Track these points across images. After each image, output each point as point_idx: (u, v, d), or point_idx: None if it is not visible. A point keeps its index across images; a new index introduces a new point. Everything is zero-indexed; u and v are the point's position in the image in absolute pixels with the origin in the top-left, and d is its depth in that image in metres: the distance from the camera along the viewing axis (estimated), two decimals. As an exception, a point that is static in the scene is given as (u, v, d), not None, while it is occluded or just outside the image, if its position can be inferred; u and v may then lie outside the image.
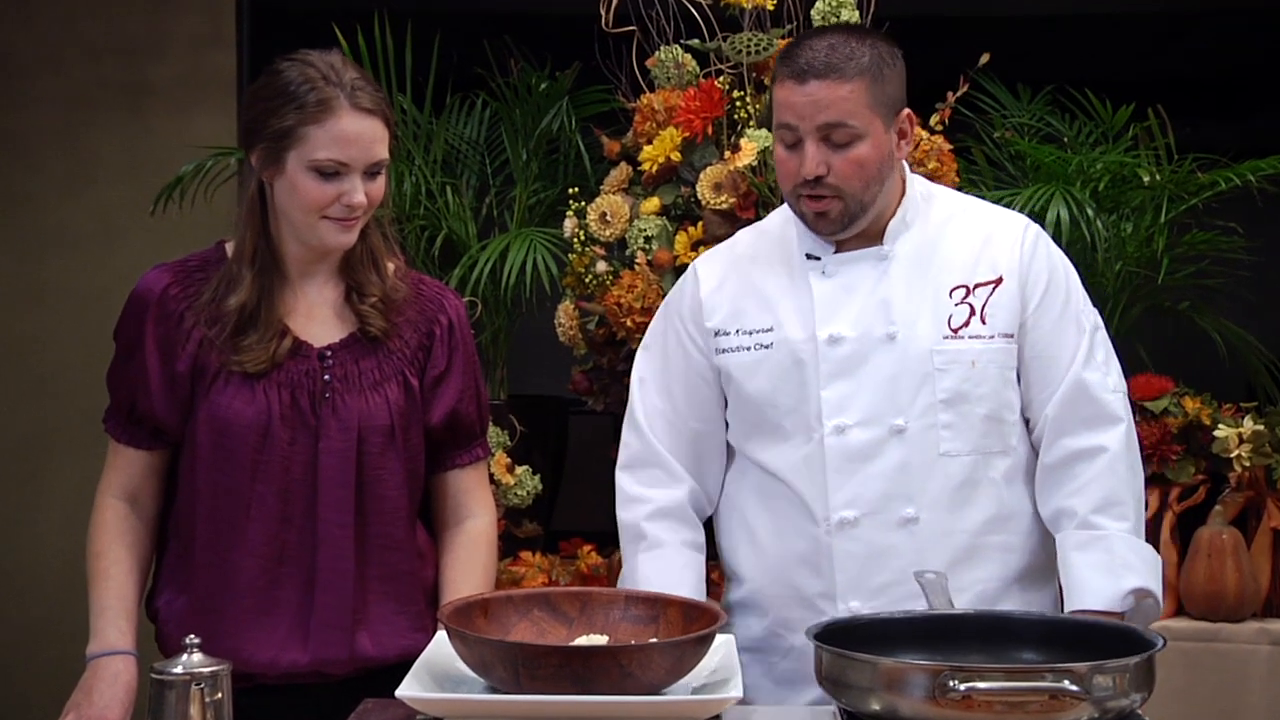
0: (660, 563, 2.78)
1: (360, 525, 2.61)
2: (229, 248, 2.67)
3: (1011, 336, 2.69)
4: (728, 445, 2.84)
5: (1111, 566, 2.60)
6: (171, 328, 2.61)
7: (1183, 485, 3.71)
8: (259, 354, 2.59)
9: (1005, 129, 4.18)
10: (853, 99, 2.61)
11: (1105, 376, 2.70)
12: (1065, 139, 4.21)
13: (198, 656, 2.13)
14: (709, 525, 2.91)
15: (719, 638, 2.26)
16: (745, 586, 2.80)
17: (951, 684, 1.99)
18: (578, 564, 3.77)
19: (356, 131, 2.54)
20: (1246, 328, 4.16)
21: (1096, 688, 2.01)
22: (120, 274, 4.96)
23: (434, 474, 2.76)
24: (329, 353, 2.63)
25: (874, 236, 2.73)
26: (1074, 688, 1.99)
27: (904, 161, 2.77)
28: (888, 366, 2.67)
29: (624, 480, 2.86)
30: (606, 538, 3.94)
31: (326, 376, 2.61)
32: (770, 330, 2.73)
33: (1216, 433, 3.66)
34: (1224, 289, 4.14)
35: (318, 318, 2.66)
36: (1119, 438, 2.67)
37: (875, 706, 2.07)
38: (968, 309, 2.68)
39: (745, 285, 2.79)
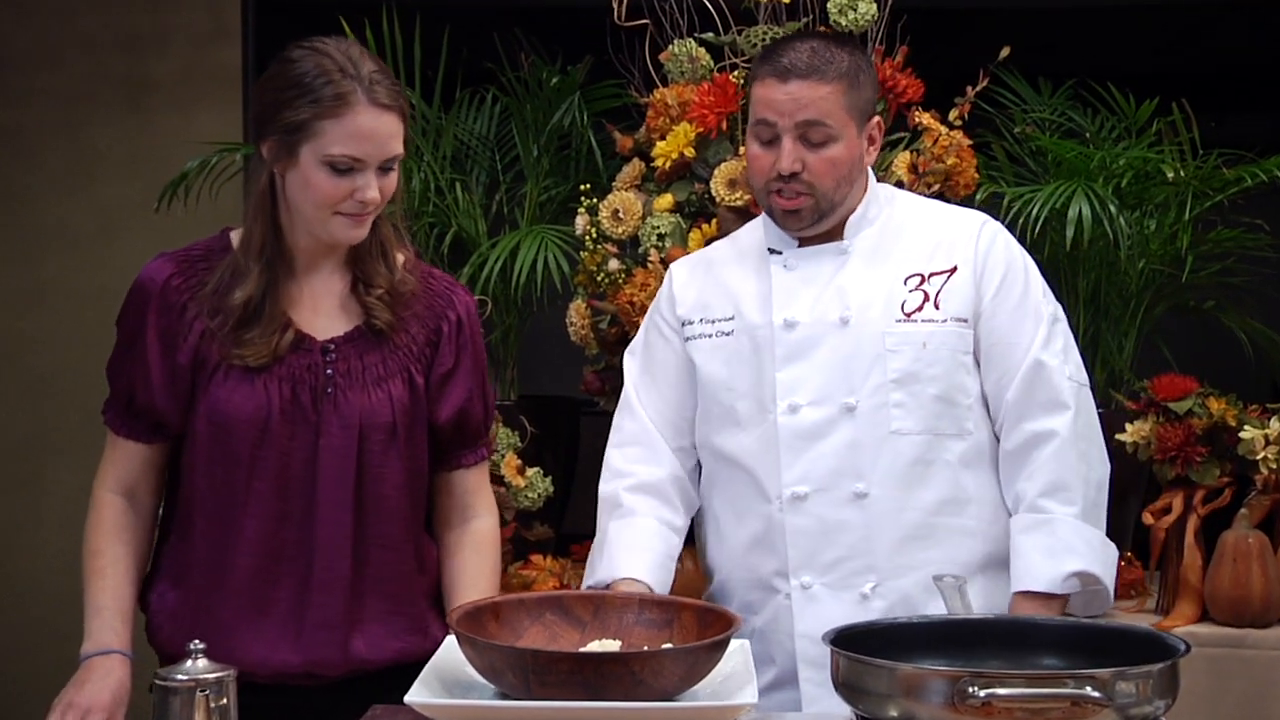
0: (629, 531, 2.87)
1: (359, 524, 2.58)
2: (234, 236, 2.63)
3: (965, 321, 2.80)
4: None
5: (1053, 549, 2.72)
6: (173, 319, 2.58)
7: (1207, 488, 3.68)
8: (261, 348, 2.55)
9: (1026, 124, 4.17)
10: (831, 100, 2.74)
11: (1063, 364, 2.80)
12: (1087, 134, 4.20)
13: (202, 662, 2.11)
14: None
15: (733, 643, 2.23)
16: (716, 579, 2.93)
17: (971, 690, 1.98)
18: (589, 567, 3.74)
19: (372, 127, 2.50)
20: (1272, 327, 4.15)
21: (1119, 694, 2.00)
22: (121, 272, 4.92)
23: (438, 473, 2.73)
24: (332, 346, 2.59)
25: (835, 233, 2.86)
26: (1096, 694, 1.98)
27: (869, 168, 2.90)
28: (841, 349, 2.79)
29: (612, 456, 2.97)
30: (619, 541, 3.90)
31: (329, 371, 2.58)
32: (731, 319, 2.88)
33: (1242, 434, 3.63)
34: (1249, 287, 4.13)
35: (322, 309, 2.62)
36: (1068, 423, 2.76)
37: (893, 713, 2.05)
38: (921, 295, 2.81)
39: (712, 281, 2.95)
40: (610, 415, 3.04)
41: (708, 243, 3.58)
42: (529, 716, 2.06)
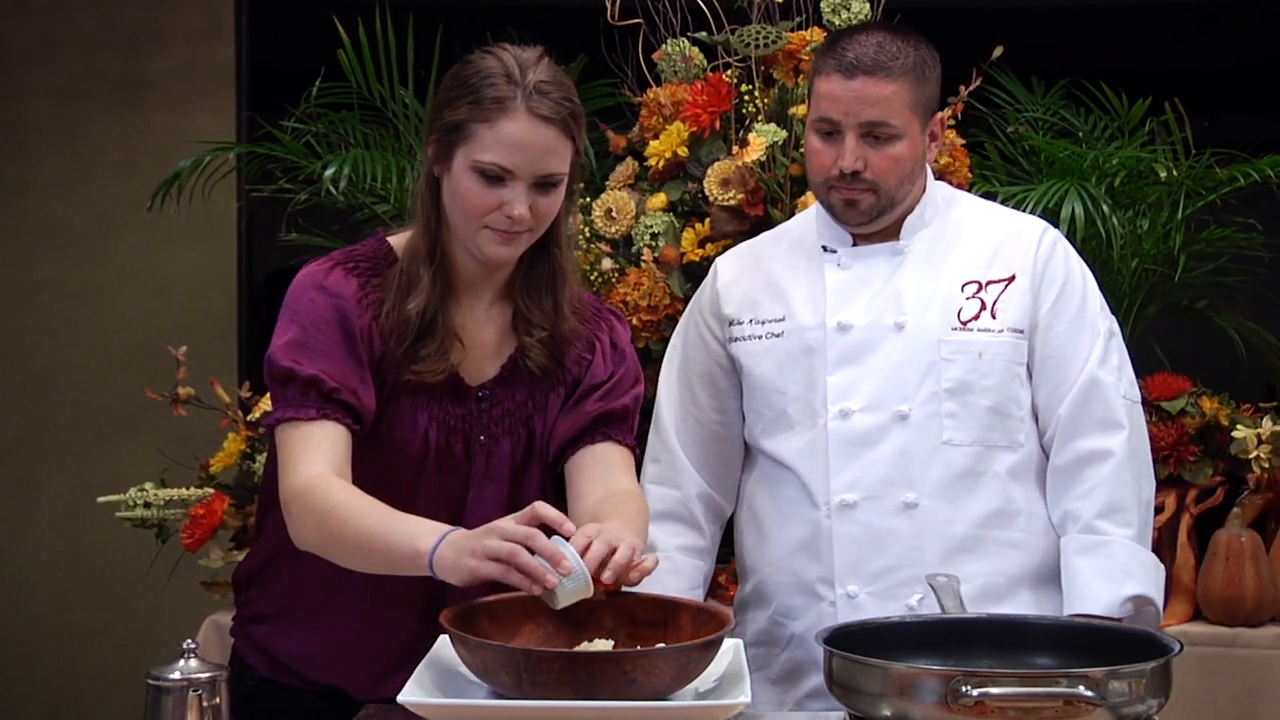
0: None
1: None
2: (392, 241, 2.51)
3: (1021, 332, 2.74)
4: (745, 445, 2.89)
5: (1112, 572, 2.66)
6: (359, 339, 2.43)
7: (1200, 487, 3.69)
8: (437, 364, 2.43)
9: (1019, 123, 4.17)
10: (896, 98, 2.67)
11: (1118, 381, 2.75)
12: (1080, 134, 4.19)
13: (195, 662, 2.10)
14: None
15: (727, 642, 2.23)
16: (753, 580, 2.85)
17: (964, 689, 1.98)
18: (583, 566, 3.73)
19: (526, 138, 2.36)
20: (1266, 326, 4.15)
21: (1112, 693, 2.00)
22: (117, 270, 4.97)
23: (584, 446, 2.54)
24: (484, 393, 2.50)
25: (891, 233, 2.78)
26: (1089, 693, 1.98)
27: (929, 165, 2.83)
28: (895, 355, 2.72)
29: (642, 476, 2.84)
30: (612, 540, 3.89)
31: (483, 419, 2.49)
32: (782, 320, 2.80)
33: (1235, 433, 3.63)
34: (1242, 287, 4.12)
35: (480, 342, 2.50)
36: (1123, 442, 2.71)
37: (886, 712, 2.05)
38: (978, 303, 2.74)
39: (761, 278, 2.85)
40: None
41: (701, 243, 3.59)
42: (521, 716, 2.05)
